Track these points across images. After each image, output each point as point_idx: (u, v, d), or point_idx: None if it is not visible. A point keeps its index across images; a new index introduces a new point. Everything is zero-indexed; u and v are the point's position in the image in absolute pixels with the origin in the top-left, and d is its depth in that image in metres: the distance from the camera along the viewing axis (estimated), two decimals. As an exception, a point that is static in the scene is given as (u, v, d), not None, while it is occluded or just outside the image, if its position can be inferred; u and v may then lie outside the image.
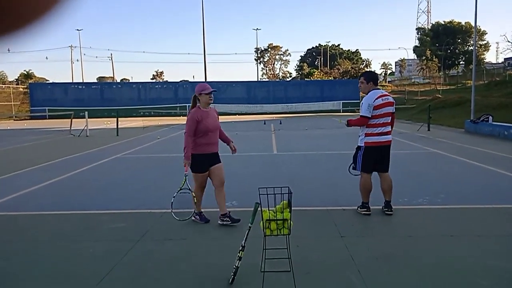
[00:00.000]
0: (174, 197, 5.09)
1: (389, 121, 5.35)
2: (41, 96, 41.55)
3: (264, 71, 77.17)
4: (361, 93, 5.57)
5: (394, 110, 5.44)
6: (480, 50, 63.80)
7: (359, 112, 5.45)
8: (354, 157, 5.49)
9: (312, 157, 10.84)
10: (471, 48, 63.45)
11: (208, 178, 5.03)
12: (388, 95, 5.43)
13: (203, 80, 50.64)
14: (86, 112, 19.74)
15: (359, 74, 5.77)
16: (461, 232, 4.63)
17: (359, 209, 5.41)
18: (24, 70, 68.17)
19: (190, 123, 4.83)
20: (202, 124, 4.81)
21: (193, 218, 5.10)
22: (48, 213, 5.76)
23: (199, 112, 4.87)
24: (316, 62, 79.28)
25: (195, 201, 4.99)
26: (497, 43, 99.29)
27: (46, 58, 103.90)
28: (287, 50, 77.64)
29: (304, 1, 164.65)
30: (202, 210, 5.20)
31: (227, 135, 5.41)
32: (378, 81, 5.68)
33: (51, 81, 53.44)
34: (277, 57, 77.14)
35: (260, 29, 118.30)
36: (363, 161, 5.33)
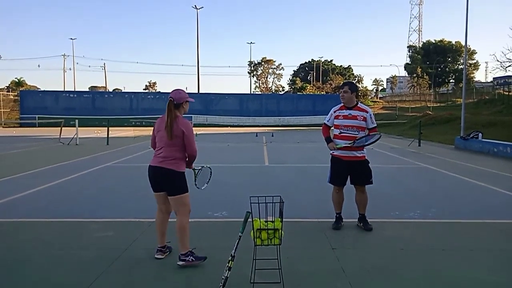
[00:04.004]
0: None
1: None
2: (31, 104, 41.20)
3: (257, 84, 77.60)
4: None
5: None
6: (470, 69, 64.85)
7: None
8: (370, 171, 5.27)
9: (304, 169, 10.82)
10: (461, 66, 64.48)
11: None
12: None
13: (196, 91, 50.65)
14: (77, 121, 19.57)
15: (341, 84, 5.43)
16: (452, 246, 4.61)
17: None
18: (16, 78, 67.58)
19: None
20: None
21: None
22: (35, 220, 5.64)
23: None
24: (308, 77, 79.87)
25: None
26: (486, 62, 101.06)
27: (38, 66, 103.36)
28: (280, 64, 78.26)
29: (298, 17, 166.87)
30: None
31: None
32: None
33: (42, 89, 52.89)
34: (270, 70, 77.67)
35: (254, 43, 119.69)
36: None
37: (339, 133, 5.21)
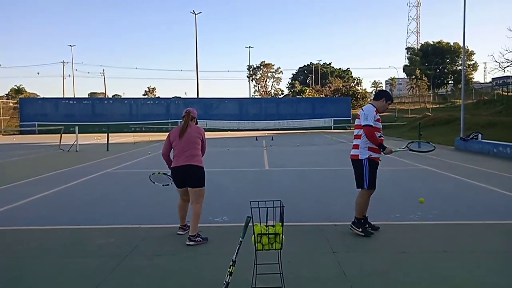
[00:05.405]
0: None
1: (356, 133, 5.26)
2: (31, 111, 41.30)
3: (256, 88, 77.72)
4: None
5: (360, 123, 5.20)
6: (469, 70, 64.95)
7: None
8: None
9: (304, 173, 10.81)
10: (460, 67, 64.53)
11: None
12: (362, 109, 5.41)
13: (195, 96, 50.93)
14: (76, 127, 19.58)
15: (382, 93, 5.42)
16: (454, 248, 4.60)
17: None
18: (15, 85, 67.57)
19: None
20: None
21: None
22: (35, 228, 5.62)
23: None
24: (307, 80, 79.98)
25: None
26: (484, 63, 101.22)
27: (38, 73, 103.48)
28: (279, 68, 78.50)
29: (296, 20, 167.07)
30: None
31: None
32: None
33: (42, 96, 52.94)
34: (269, 74, 77.78)
35: (252, 47, 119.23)
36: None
37: (379, 137, 5.14)
